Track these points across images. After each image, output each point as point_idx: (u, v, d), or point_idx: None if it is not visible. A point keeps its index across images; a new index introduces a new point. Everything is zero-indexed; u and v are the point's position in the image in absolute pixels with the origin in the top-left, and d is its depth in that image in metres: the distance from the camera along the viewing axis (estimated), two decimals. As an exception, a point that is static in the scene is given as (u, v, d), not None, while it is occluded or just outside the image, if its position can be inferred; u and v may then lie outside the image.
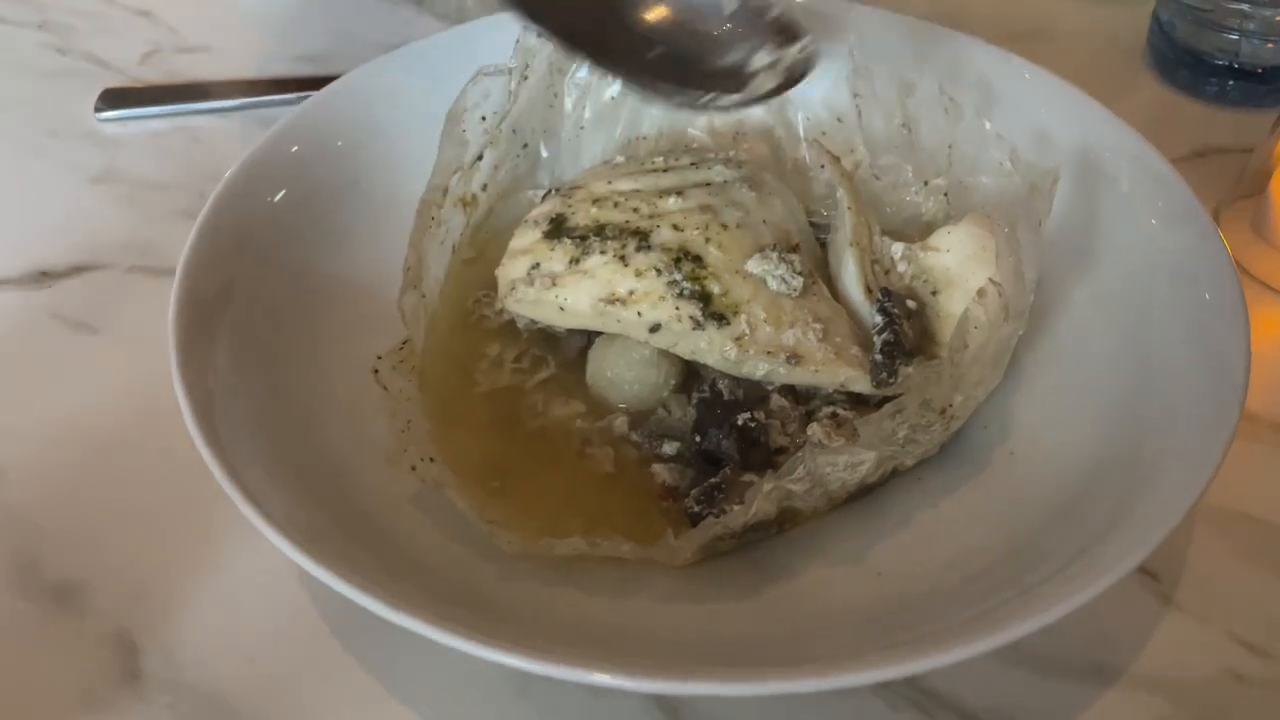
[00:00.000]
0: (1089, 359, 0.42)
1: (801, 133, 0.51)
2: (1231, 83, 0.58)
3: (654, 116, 0.51)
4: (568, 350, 0.45)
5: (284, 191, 0.46)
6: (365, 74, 0.50)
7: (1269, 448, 0.44)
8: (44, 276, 0.52)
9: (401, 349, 0.40)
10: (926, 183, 0.48)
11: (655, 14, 0.42)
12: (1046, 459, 0.40)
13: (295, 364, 0.42)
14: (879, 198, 0.49)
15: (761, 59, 0.41)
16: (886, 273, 0.44)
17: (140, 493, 0.43)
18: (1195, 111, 0.59)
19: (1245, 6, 0.56)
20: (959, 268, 0.42)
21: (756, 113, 0.51)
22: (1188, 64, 0.59)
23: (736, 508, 0.38)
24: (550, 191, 0.47)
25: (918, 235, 0.45)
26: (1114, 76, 0.61)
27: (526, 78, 0.48)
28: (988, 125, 0.45)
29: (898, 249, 0.44)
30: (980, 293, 0.39)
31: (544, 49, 0.48)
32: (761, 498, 0.37)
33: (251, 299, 0.42)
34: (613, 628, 0.36)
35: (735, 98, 0.41)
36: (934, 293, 0.43)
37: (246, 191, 0.45)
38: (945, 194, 0.48)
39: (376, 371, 0.39)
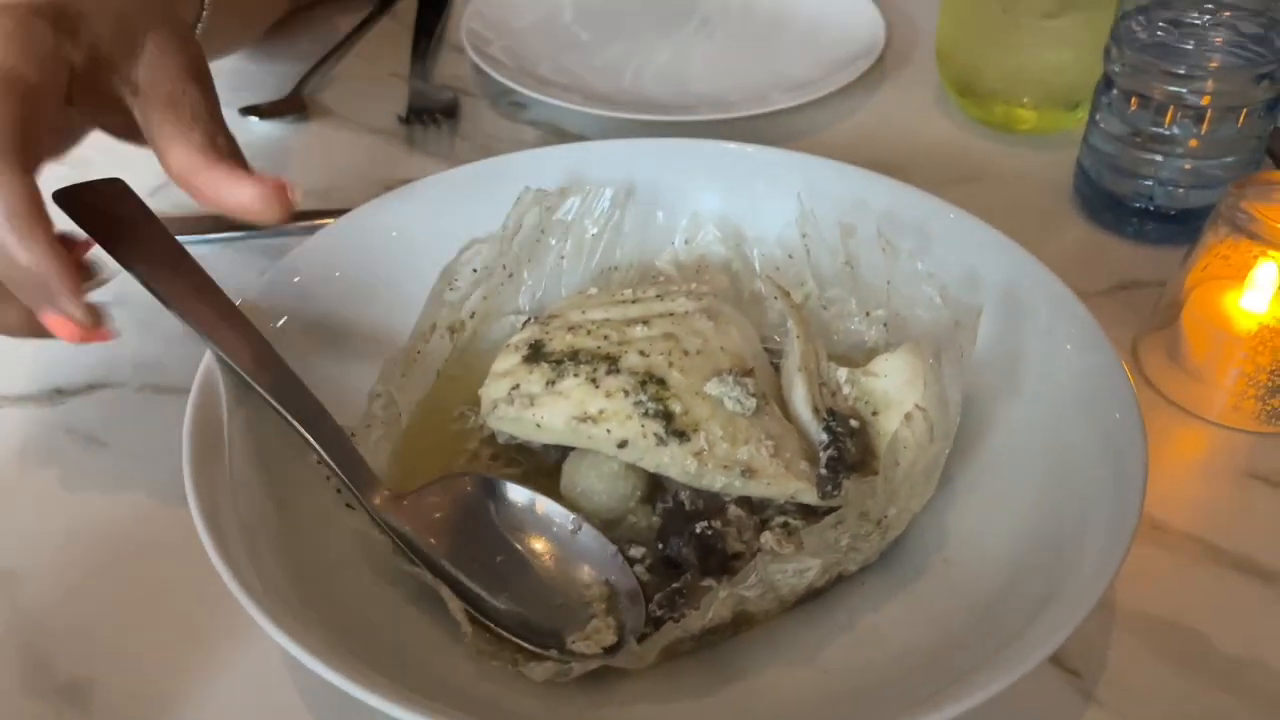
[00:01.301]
0: (1013, 473, 0.46)
1: (757, 267, 0.56)
2: (1150, 224, 0.63)
3: (626, 249, 0.56)
4: (544, 462, 0.49)
5: (285, 319, 0.51)
6: (363, 213, 0.55)
7: (1182, 555, 0.48)
8: (58, 394, 0.55)
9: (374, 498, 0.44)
10: (868, 314, 0.53)
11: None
12: (976, 564, 0.44)
13: (297, 478, 0.46)
14: (827, 326, 0.54)
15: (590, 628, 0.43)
16: (833, 395, 0.48)
17: (145, 597, 0.46)
18: (1118, 248, 0.64)
19: (1158, 157, 0.62)
20: (895, 391, 0.46)
21: (717, 248, 0.56)
22: (1110, 206, 0.64)
23: (693, 612, 0.41)
24: (530, 319, 0.51)
25: (862, 360, 0.50)
26: (1044, 216, 0.66)
27: (520, 230, 0.53)
28: (920, 265, 0.50)
29: (843, 373, 0.48)
30: (908, 416, 0.44)
31: (537, 207, 0.53)
32: (718, 603, 0.41)
33: (258, 416, 0.46)
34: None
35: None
36: (874, 413, 0.47)
37: (253, 316, 0.49)
38: (885, 324, 0.52)
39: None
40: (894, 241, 0.51)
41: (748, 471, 0.44)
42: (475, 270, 0.53)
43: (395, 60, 0.81)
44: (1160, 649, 0.44)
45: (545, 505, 0.46)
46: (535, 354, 0.47)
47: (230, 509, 0.42)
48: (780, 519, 0.45)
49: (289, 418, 0.45)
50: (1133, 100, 0.61)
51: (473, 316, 0.53)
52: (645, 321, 0.48)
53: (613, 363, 0.46)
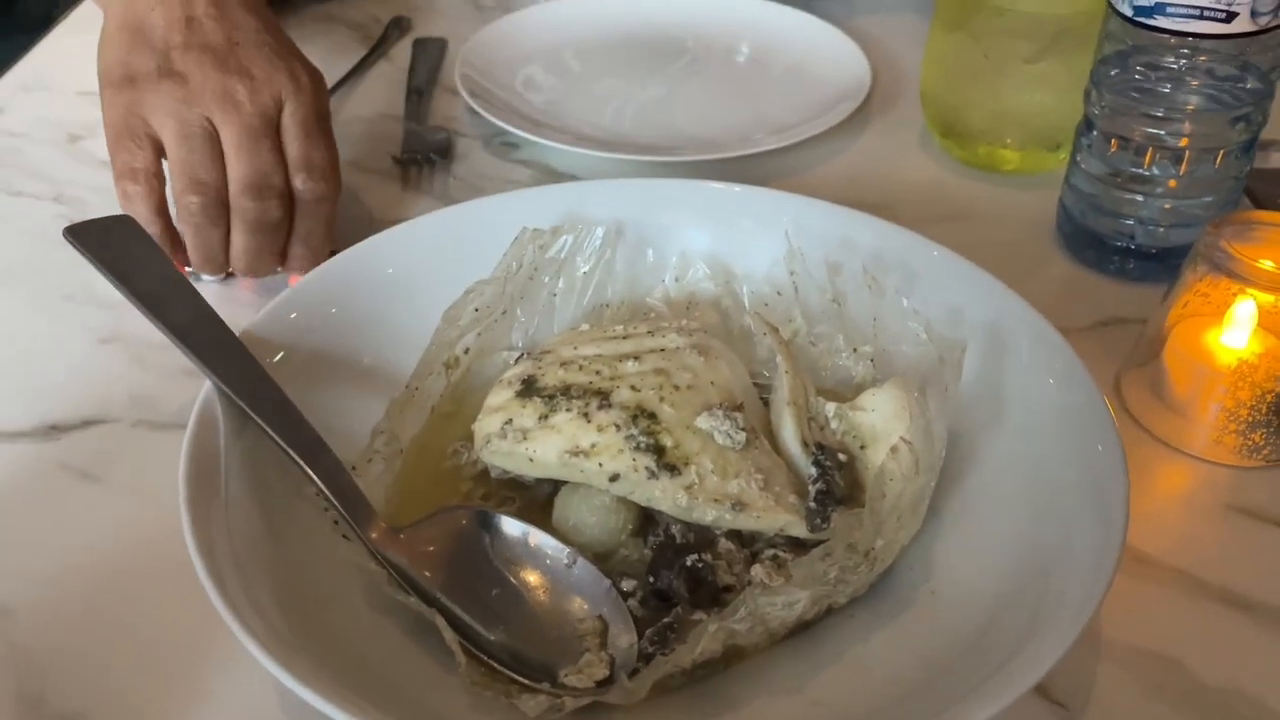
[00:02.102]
0: (998, 506, 0.47)
1: (746, 304, 0.57)
2: (1131, 262, 0.64)
3: (618, 287, 0.57)
4: (536, 496, 0.49)
5: (282, 354, 0.51)
6: (359, 251, 0.56)
7: (1166, 588, 0.48)
8: (53, 430, 0.56)
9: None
10: (855, 349, 0.54)
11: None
12: (963, 596, 0.44)
13: (294, 511, 0.46)
14: (816, 362, 0.55)
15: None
16: (821, 429, 0.49)
17: (138, 632, 0.46)
18: (1100, 285, 0.64)
19: (1138, 197, 0.63)
20: (882, 425, 0.47)
21: (707, 285, 0.57)
22: (1092, 244, 0.65)
23: (683, 646, 0.42)
24: (523, 354, 0.52)
25: (849, 395, 0.51)
26: (1027, 254, 0.67)
27: (518, 270, 0.54)
28: (905, 302, 0.51)
29: (830, 408, 0.49)
30: (894, 449, 0.45)
31: (532, 246, 0.55)
32: (708, 637, 0.41)
33: (257, 448, 0.47)
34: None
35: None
36: (862, 447, 0.48)
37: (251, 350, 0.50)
38: (872, 359, 0.53)
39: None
40: (879, 279, 0.52)
41: (738, 505, 0.44)
42: (476, 310, 0.54)
43: (390, 102, 0.82)
44: (1145, 680, 0.45)
45: (539, 539, 0.46)
46: (528, 389, 0.48)
47: (225, 541, 0.42)
48: (770, 552, 0.46)
49: (289, 450, 0.45)
50: (1113, 142, 0.62)
51: (467, 353, 0.54)
52: (636, 357, 0.48)
53: (604, 397, 0.46)
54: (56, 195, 0.73)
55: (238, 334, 0.50)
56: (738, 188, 0.59)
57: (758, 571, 0.44)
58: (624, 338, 0.50)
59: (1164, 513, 0.53)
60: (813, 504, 0.45)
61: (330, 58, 0.87)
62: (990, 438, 0.49)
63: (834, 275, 0.54)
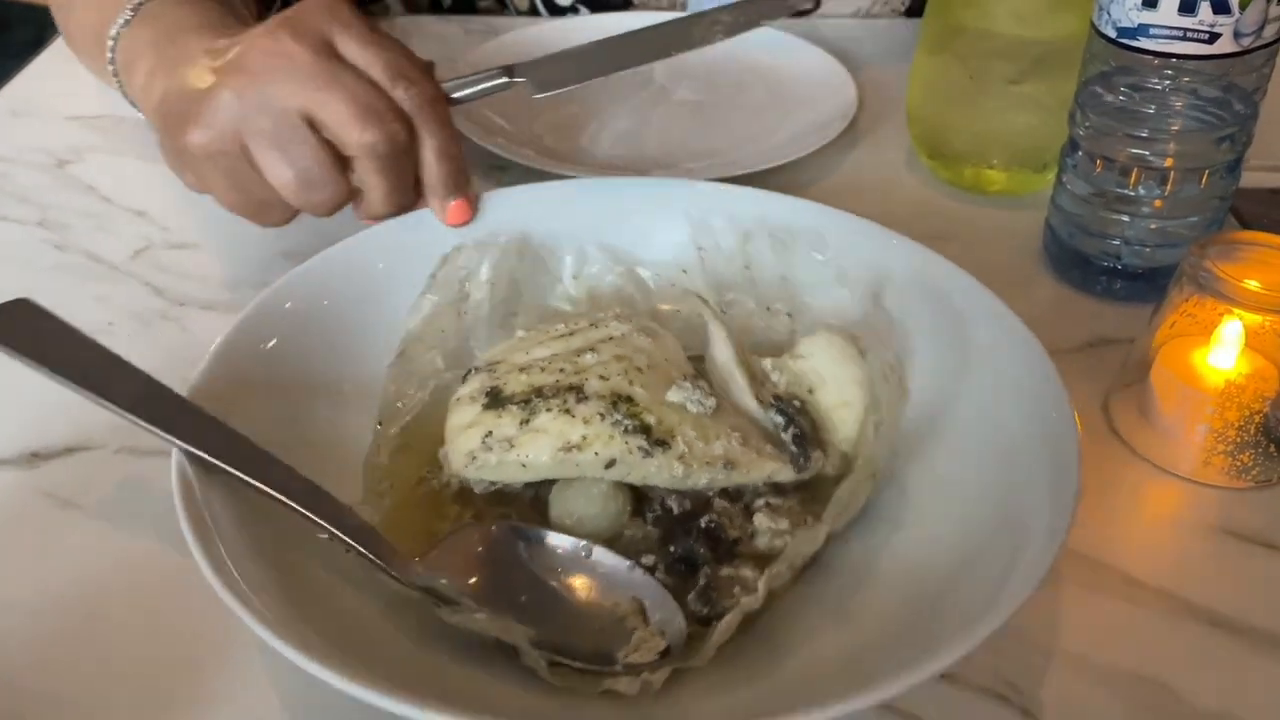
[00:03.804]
0: (965, 459, 0.49)
1: (652, 286, 0.58)
2: (1118, 283, 0.64)
3: (520, 296, 0.58)
4: (524, 503, 0.50)
5: (275, 340, 0.52)
6: (344, 248, 0.57)
7: (1154, 610, 0.48)
8: (35, 457, 0.55)
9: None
10: (769, 309, 0.56)
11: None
12: (939, 537, 0.47)
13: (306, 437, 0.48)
14: (733, 327, 0.55)
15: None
16: (762, 385, 0.51)
17: (121, 661, 0.46)
18: (1087, 306, 0.64)
19: (1124, 217, 0.63)
20: (826, 368, 0.51)
21: (609, 278, 0.59)
22: (1078, 265, 0.65)
23: (748, 598, 0.44)
24: (470, 372, 0.51)
25: (775, 352, 0.53)
26: (1014, 274, 0.67)
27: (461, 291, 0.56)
28: (819, 256, 0.55)
29: (768, 363, 0.51)
30: (885, 375, 0.48)
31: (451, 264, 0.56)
32: (766, 580, 0.44)
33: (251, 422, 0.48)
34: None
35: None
36: (810, 391, 0.51)
37: (243, 340, 0.52)
38: (789, 314, 0.56)
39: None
40: (787, 240, 0.55)
41: (728, 464, 0.47)
42: (444, 330, 0.55)
43: (377, 125, 0.82)
44: (1134, 704, 0.45)
45: (552, 539, 0.47)
46: (495, 400, 0.48)
47: (223, 529, 0.43)
48: (760, 501, 0.48)
49: (298, 509, 0.44)
50: (1098, 162, 0.62)
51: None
52: (592, 349, 0.49)
53: (578, 391, 0.47)
54: (42, 220, 0.73)
55: (235, 322, 0.51)
56: (629, 180, 0.62)
57: (761, 520, 0.47)
58: (570, 334, 0.51)
59: (1153, 535, 0.52)
60: (793, 448, 0.48)
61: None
62: (952, 406, 0.51)
63: (745, 243, 0.57)
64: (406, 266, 0.57)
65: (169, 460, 0.45)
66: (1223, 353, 0.54)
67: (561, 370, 0.48)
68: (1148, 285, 0.63)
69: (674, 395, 0.48)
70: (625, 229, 0.59)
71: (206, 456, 0.44)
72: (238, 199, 0.58)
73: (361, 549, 0.44)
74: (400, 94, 0.55)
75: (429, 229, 0.58)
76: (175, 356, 0.60)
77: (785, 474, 0.48)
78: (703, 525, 0.46)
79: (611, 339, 0.50)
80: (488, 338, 0.56)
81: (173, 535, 0.50)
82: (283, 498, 0.44)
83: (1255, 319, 0.53)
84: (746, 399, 0.50)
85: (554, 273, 0.59)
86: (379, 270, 0.57)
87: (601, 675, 0.43)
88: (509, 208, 0.60)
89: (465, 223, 0.57)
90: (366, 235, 0.58)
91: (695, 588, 0.45)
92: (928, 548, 0.46)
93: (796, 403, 0.50)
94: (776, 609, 0.45)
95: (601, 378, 0.48)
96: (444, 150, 0.56)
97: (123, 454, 0.55)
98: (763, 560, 0.46)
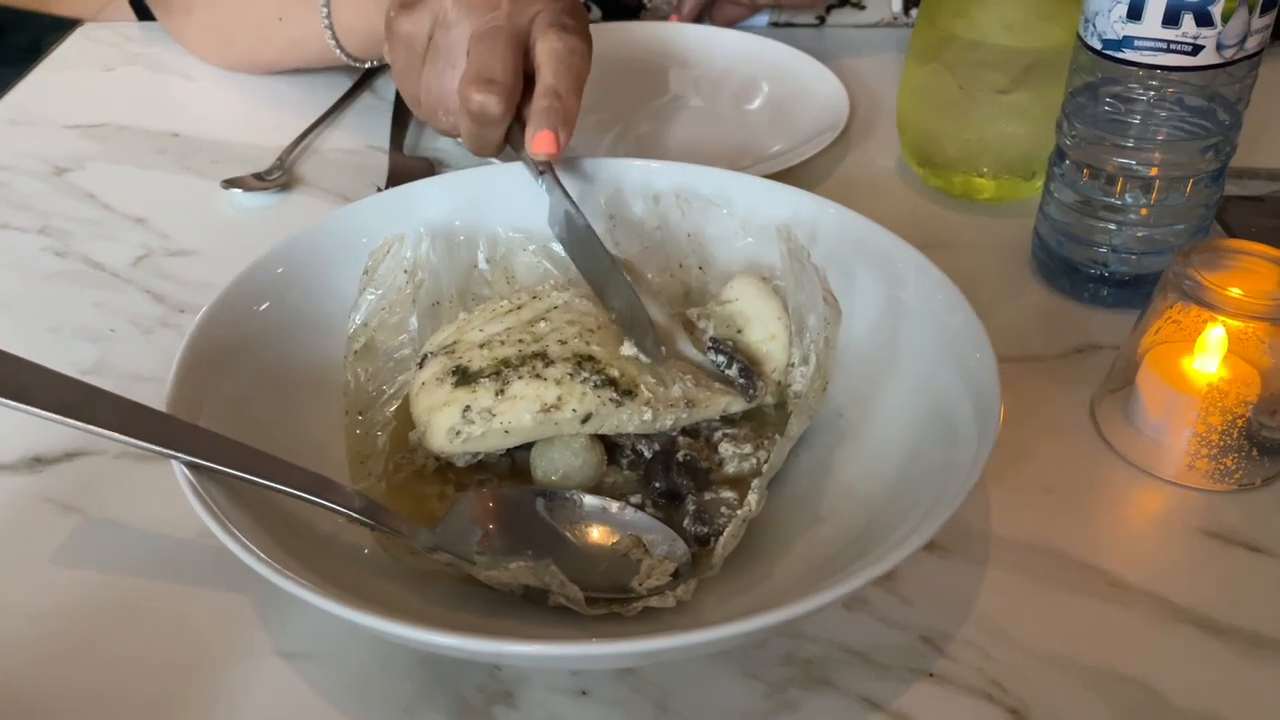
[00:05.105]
0: (899, 404, 0.53)
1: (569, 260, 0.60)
2: (1105, 289, 0.65)
3: (443, 283, 0.59)
4: (502, 471, 0.52)
5: (268, 303, 0.55)
6: (337, 216, 0.60)
7: (1139, 612, 0.49)
8: (37, 462, 0.56)
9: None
10: (681, 265, 0.61)
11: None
12: (883, 453, 0.51)
13: (274, 431, 0.49)
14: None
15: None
16: (694, 333, 0.55)
17: (122, 667, 0.46)
18: (1075, 313, 0.65)
19: (1111, 225, 0.64)
20: (750, 307, 0.56)
21: (523, 255, 0.61)
22: (1066, 272, 0.66)
23: (740, 512, 0.48)
24: (425, 357, 0.53)
25: (690, 304, 0.59)
26: (1004, 282, 0.68)
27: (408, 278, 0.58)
28: (725, 211, 0.60)
29: (693, 312, 0.57)
30: (826, 300, 0.51)
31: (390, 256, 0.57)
32: (757, 494, 0.48)
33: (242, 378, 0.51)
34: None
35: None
36: (739, 331, 0.56)
37: (236, 302, 0.54)
38: (700, 267, 0.61)
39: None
40: (693, 199, 0.60)
41: (689, 403, 0.51)
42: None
43: (375, 133, 0.83)
44: (1117, 704, 0.45)
45: (545, 494, 0.49)
46: (465, 377, 0.50)
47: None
48: (718, 434, 0.53)
49: (307, 498, 0.45)
50: (1085, 171, 0.63)
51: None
52: (543, 318, 0.53)
53: (543, 357, 0.50)
54: (42, 228, 0.73)
55: (228, 283, 0.53)
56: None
57: (727, 449, 0.53)
58: (518, 308, 0.54)
59: (1138, 537, 0.53)
60: (741, 381, 0.53)
61: (315, 90, 0.88)
62: (889, 356, 0.55)
63: (655, 204, 0.61)
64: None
65: (169, 464, 0.45)
66: (1207, 358, 0.55)
67: (521, 341, 0.51)
68: (1134, 292, 0.64)
69: (627, 349, 0.52)
70: (538, 209, 0.60)
71: (215, 465, 0.45)
72: (403, 87, 0.68)
73: (382, 526, 0.46)
74: (546, 45, 0.62)
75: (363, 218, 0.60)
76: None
77: (738, 405, 0.53)
78: (680, 460, 0.51)
79: (557, 307, 0.53)
80: (419, 327, 0.58)
81: (174, 539, 0.51)
82: (297, 493, 0.45)
83: (1238, 325, 0.54)
84: (687, 348, 0.54)
85: (469, 258, 0.61)
86: (329, 270, 0.58)
87: (629, 600, 0.45)
88: (427, 200, 0.61)
89: (551, 155, 0.60)
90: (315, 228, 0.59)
91: (687, 514, 0.49)
92: (875, 455, 0.51)
93: (729, 343, 0.55)
94: (754, 522, 0.48)
95: (560, 342, 0.51)
96: (553, 90, 0.61)
97: (123, 459, 0.56)
98: (735, 483, 0.51)
